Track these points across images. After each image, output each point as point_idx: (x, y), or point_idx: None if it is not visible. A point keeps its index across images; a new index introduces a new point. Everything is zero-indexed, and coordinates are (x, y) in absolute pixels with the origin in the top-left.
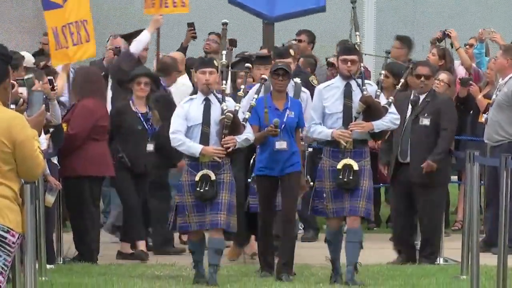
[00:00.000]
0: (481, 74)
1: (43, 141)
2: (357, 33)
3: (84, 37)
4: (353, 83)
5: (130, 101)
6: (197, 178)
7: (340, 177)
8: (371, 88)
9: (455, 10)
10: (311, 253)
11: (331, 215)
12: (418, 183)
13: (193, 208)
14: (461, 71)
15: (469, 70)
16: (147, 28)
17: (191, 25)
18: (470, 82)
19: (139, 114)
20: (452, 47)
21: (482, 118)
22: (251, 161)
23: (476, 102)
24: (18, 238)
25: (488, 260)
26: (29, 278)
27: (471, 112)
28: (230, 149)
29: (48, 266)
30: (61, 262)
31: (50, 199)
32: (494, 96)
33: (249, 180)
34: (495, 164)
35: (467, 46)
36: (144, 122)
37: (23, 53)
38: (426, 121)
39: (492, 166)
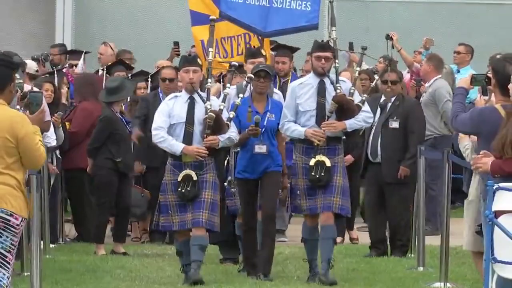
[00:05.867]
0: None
1: (53, 137)
2: (334, 28)
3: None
4: (326, 80)
5: (111, 109)
6: (179, 179)
7: (313, 173)
8: (345, 85)
9: (407, 21)
10: None
11: (306, 212)
12: (390, 182)
13: (176, 207)
14: (407, 76)
15: (411, 68)
16: None
17: (176, 44)
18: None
19: (123, 120)
20: (393, 47)
21: None
22: (225, 163)
23: None
24: (21, 221)
25: (433, 241)
26: (35, 256)
27: None
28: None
29: (51, 246)
30: (63, 242)
31: None
32: (421, 98)
33: (225, 183)
34: (438, 157)
35: (416, 53)
36: (127, 126)
37: (26, 61)
38: (395, 124)
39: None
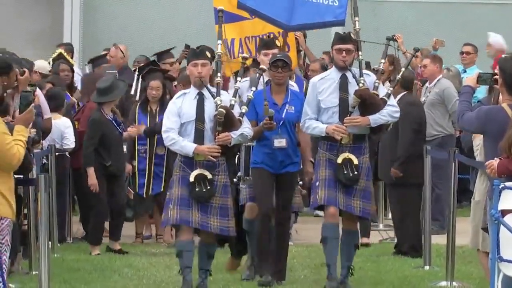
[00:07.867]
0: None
1: (72, 139)
2: (356, 18)
3: (283, 47)
4: (349, 74)
5: (101, 110)
6: (191, 179)
7: (345, 172)
8: (370, 78)
9: (415, 22)
10: None
11: (321, 202)
12: (388, 183)
13: (180, 201)
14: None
15: (416, 70)
16: None
17: (187, 47)
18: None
19: (112, 120)
20: (398, 49)
21: None
22: (236, 160)
23: None
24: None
25: (439, 240)
26: (43, 255)
27: None
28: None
29: (59, 245)
30: (71, 241)
31: None
32: (423, 98)
33: (234, 179)
34: (444, 157)
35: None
36: (117, 127)
37: (39, 61)
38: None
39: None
